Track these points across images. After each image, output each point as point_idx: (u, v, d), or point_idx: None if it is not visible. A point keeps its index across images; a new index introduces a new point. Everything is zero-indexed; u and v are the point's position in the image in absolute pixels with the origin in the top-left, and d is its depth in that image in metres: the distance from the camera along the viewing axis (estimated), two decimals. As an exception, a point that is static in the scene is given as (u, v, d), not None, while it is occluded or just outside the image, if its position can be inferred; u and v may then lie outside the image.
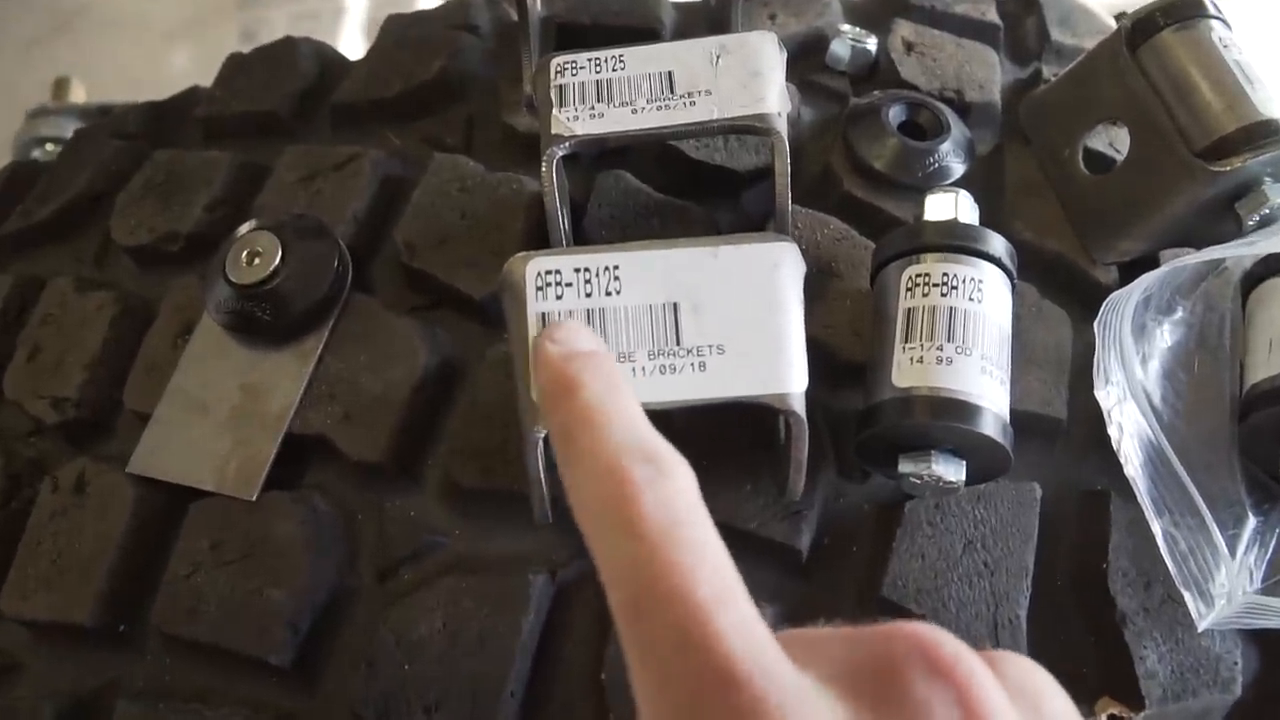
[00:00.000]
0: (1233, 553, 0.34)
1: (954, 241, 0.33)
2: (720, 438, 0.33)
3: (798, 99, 0.42)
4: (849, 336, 0.35)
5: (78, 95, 0.73)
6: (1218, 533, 0.33)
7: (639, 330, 0.29)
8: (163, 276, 0.41)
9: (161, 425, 0.36)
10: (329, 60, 0.47)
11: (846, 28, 0.44)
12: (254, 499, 0.34)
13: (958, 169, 0.39)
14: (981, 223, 0.37)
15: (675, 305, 0.29)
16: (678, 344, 0.29)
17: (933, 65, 0.43)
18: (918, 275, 0.32)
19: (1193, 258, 0.33)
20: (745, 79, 0.34)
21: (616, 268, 0.29)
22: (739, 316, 0.29)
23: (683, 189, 0.39)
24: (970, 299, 0.32)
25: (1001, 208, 0.40)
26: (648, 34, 0.43)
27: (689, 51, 0.35)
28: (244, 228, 0.37)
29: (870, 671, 0.20)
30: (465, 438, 0.34)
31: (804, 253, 0.36)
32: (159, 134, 0.47)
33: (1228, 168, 0.35)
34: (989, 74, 0.43)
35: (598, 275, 0.29)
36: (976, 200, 0.37)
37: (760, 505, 0.33)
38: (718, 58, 0.35)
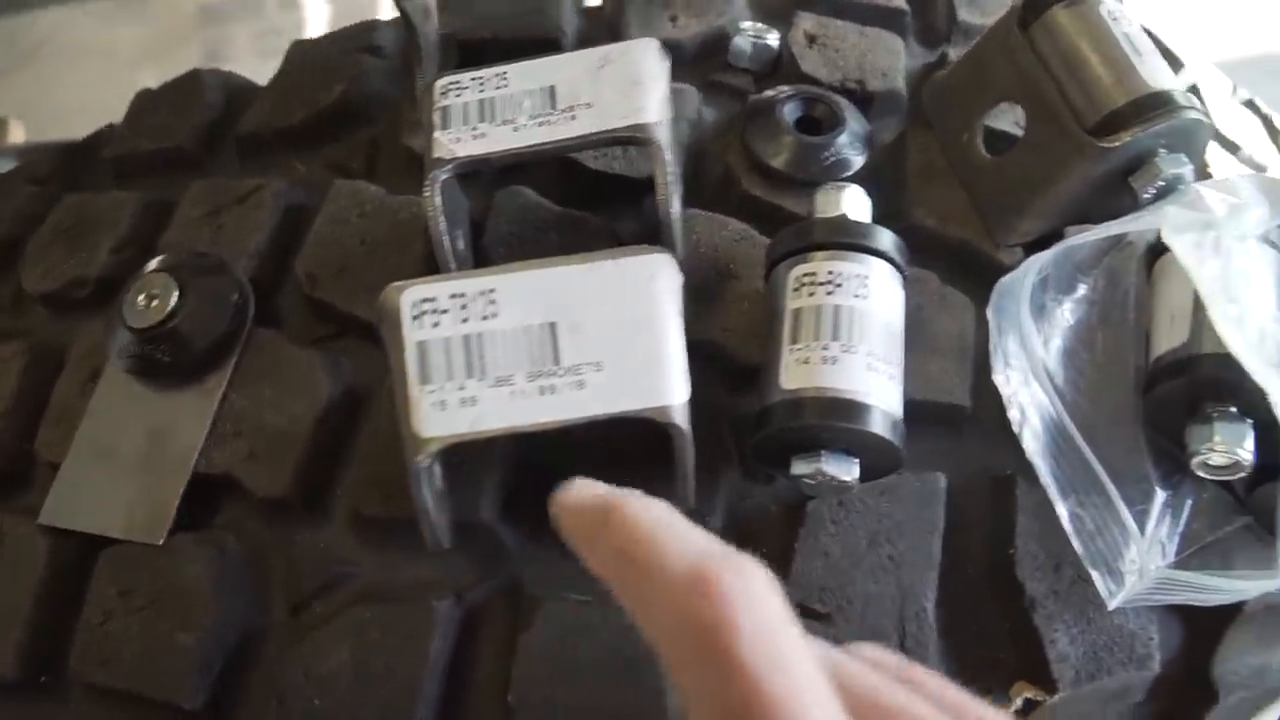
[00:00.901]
0: (1142, 528, 0.34)
1: (840, 239, 0.33)
2: (617, 448, 0.33)
3: (698, 100, 0.42)
4: (748, 338, 0.35)
5: (16, 135, 0.73)
6: (1124, 509, 0.33)
7: (517, 352, 0.29)
8: (74, 322, 0.41)
9: (71, 474, 0.36)
10: (237, 90, 0.47)
11: (747, 24, 0.44)
12: (160, 544, 0.34)
13: (856, 160, 0.39)
14: (882, 213, 0.37)
15: (553, 325, 0.29)
16: (556, 364, 0.29)
17: (835, 56, 0.43)
18: (804, 275, 0.32)
19: (1078, 238, 0.33)
20: (626, 89, 0.34)
21: (492, 291, 0.29)
22: (616, 332, 0.29)
23: (585, 199, 0.39)
24: (855, 296, 0.32)
25: (904, 196, 0.40)
26: (549, 44, 0.43)
27: (572, 64, 0.35)
28: (148, 269, 0.37)
29: None
30: (370, 467, 0.34)
31: (703, 255, 0.37)
32: (71, 176, 0.47)
33: (1117, 143, 0.35)
34: (892, 61, 0.43)
35: (474, 300, 0.29)
36: (879, 190, 0.37)
37: (662, 515, 0.32)
38: (600, 68, 0.35)
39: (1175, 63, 0.49)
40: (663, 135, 0.33)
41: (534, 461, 0.34)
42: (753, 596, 0.18)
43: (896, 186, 0.40)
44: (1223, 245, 0.31)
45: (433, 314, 0.29)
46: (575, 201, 0.39)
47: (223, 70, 0.48)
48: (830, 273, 0.32)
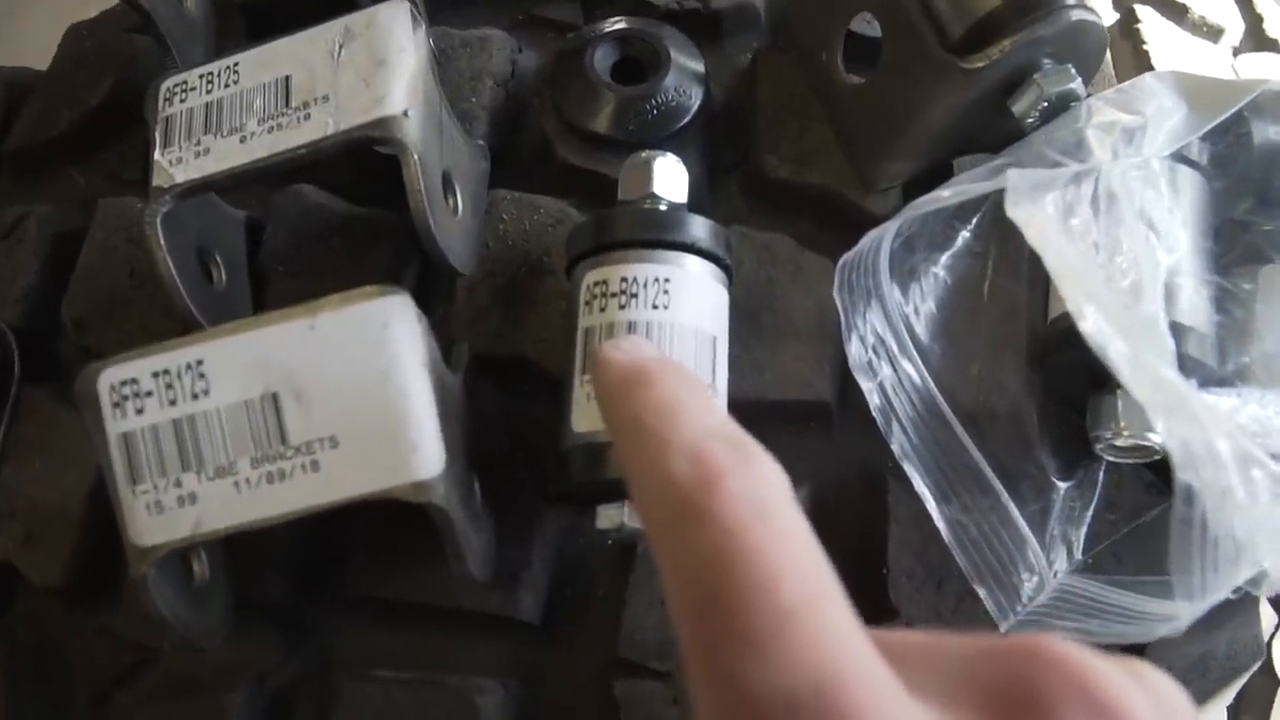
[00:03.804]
0: (1041, 529, 0.29)
1: (636, 235, 0.27)
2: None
3: (509, 47, 0.35)
4: (565, 354, 0.30)
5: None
6: (1014, 509, 0.28)
7: (237, 434, 0.24)
8: None
9: None
10: (21, 88, 0.41)
11: (566, -58, 0.36)
12: (-59, 646, 0.31)
13: (689, 106, 0.32)
14: (718, 166, 0.31)
15: (275, 396, 0.24)
16: (284, 443, 0.24)
17: (673, -31, 0.36)
18: (595, 284, 0.27)
19: (926, 203, 0.27)
20: (368, 73, 0.28)
21: (200, 363, 0.24)
22: (349, 398, 0.24)
23: (382, 190, 0.33)
24: (654, 306, 0.26)
25: (756, 139, 0.33)
26: (344, 2, 0.37)
27: (310, 45, 0.29)
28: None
29: (999, 695, 0.16)
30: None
31: (511, 248, 0.32)
32: None
33: (983, 62, 0.28)
34: (742, -34, 0.36)
35: (179, 376, 0.24)
36: (728, 133, 0.31)
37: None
38: (340, 47, 0.29)
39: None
40: (410, 128, 0.27)
41: (324, 533, 0.29)
42: (754, 480, 0.17)
43: (749, 126, 0.34)
44: (1086, 200, 0.25)
45: (135, 398, 0.25)
46: (374, 194, 0.33)
47: (8, 67, 0.42)
48: (624, 280, 0.26)
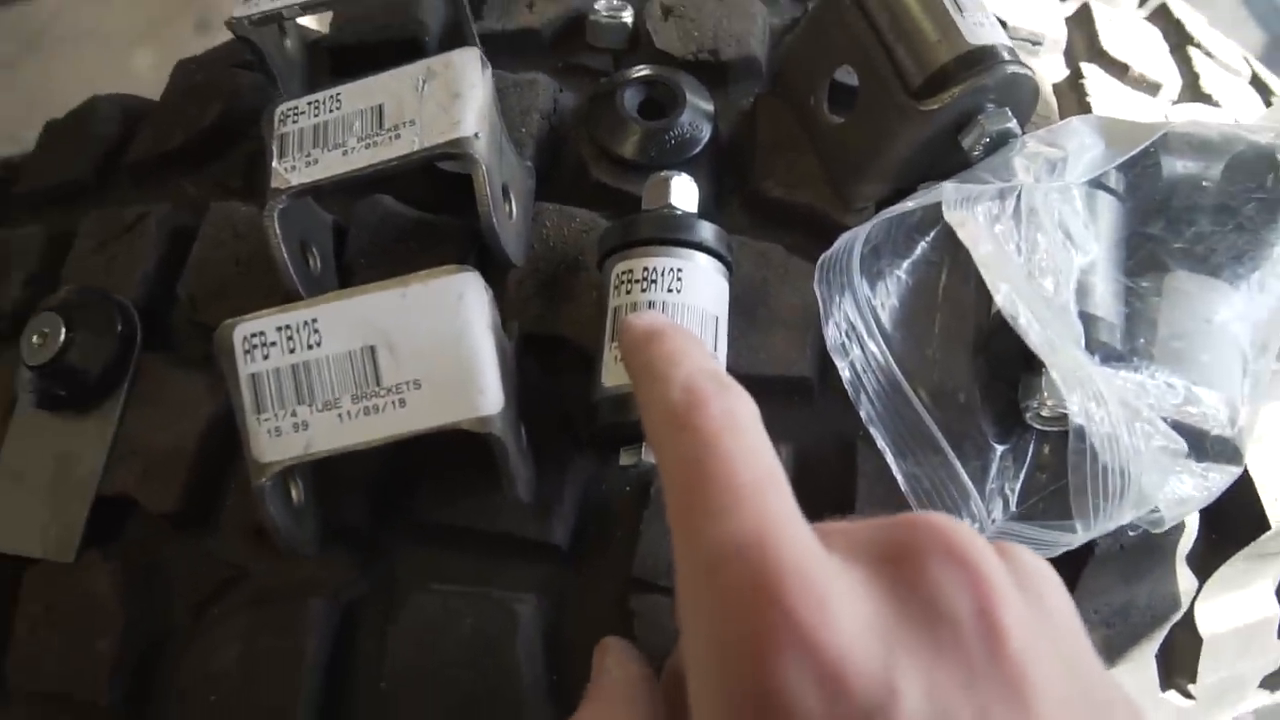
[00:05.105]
0: (982, 484, 0.35)
1: (656, 234, 0.34)
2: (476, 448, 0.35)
3: (553, 89, 0.42)
4: (596, 329, 0.37)
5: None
6: (958, 465, 0.35)
7: (342, 377, 0.31)
8: (-1, 355, 0.44)
9: (-7, 502, 0.39)
10: (134, 114, 0.49)
11: (602, 4, 0.44)
12: (72, 560, 0.37)
13: (700, 138, 0.40)
14: (724, 188, 0.38)
15: (372, 349, 0.31)
16: (378, 385, 0.31)
17: (690, 27, 0.43)
18: (623, 272, 0.34)
19: (890, 211, 0.34)
20: (446, 103, 0.35)
21: (314, 321, 0.31)
22: (430, 351, 0.31)
23: (447, 202, 0.41)
24: (669, 290, 0.33)
25: (754, 167, 0.40)
26: (413, 45, 0.44)
27: (399, 80, 0.36)
28: (40, 308, 0.40)
29: (891, 554, 0.22)
30: (253, 477, 0.37)
31: (553, 249, 0.38)
32: (-6, 210, 0.50)
33: (937, 105, 0.35)
34: (748, 26, 0.43)
35: (298, 331, 0.31)
36: (731, 161, 0.38)
37: (513, 507, 0.35)
38: (424, 83, 0.36)
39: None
40: (480, 147, 0.34)
41: (399, 466, 0.36)
42: (729, 405, 0.24)
43: (749, 156, 0.41)
44: (1009, 212, 0.31)
45: (263, 347, 0.31)
46: (440, 204, 0.41)
47: (121, 95, 0.50)
48: (645, 269, 0.33)
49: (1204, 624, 0.41)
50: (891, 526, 0.23)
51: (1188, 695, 0.44)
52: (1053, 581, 0.24)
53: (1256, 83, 0.58)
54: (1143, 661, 0.40)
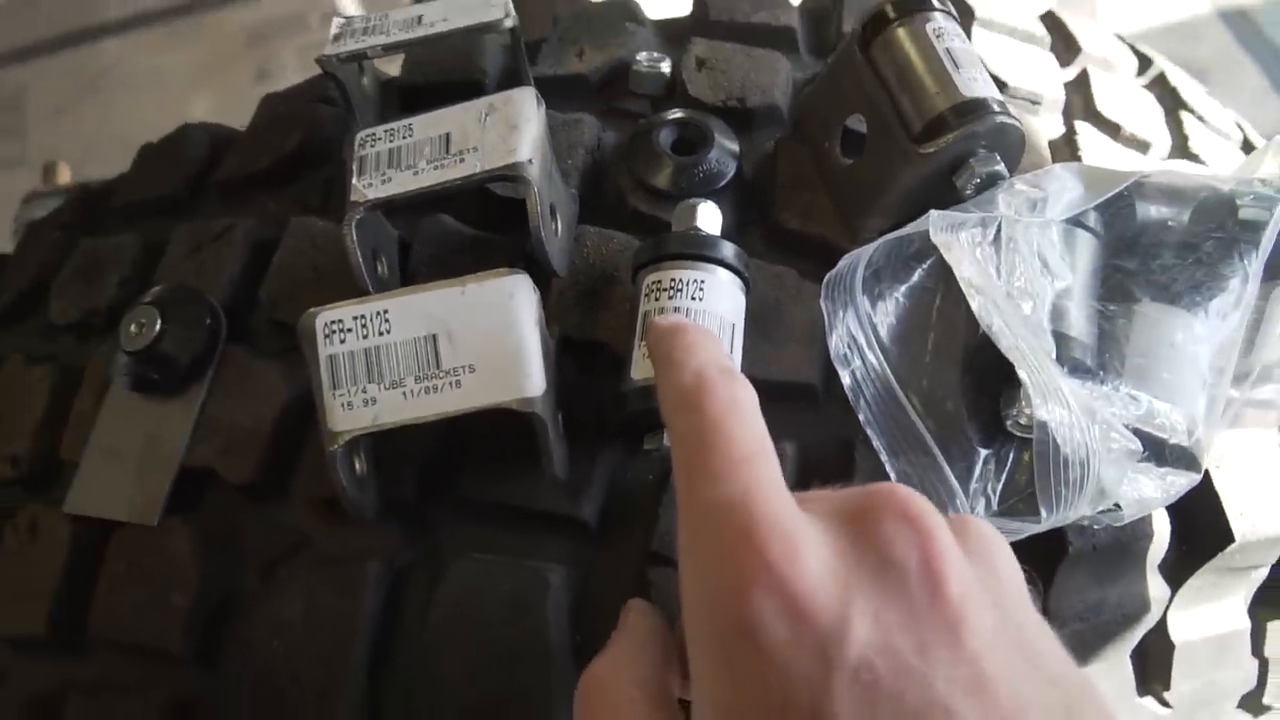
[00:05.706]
0: (967, 484, 0.39)
1: (683, 250, 0.39)
2: (519, 433, 0.40)
3: (598, 128, 0.48)
4: (628, 335, 0.42)
5: (64, 176, 0.83)
6: (946, 465, 0.39)
7: (407, 360, 0.36)
8: (94, 346, 0.49)
9: (86, 471, 0.44)
10: (221, 140, 0.55)
11: (643, 55, 0.50)
12: (155, 524, 0.42)
13: (726, 173, 0.45)
14: (746, 220, 0.43)
15: (434, 337, 0.36)
16: (438, 368, 0.36)
17: (720, 78, 0.49)
18: (653, 282, 0.39)
19: (890, 236, 0.39)
20: (505, 133, 0.40)
21: (386, 312, 0.36)
22: (484, 340, 0.36)
23: (499, 223, 0.46)
24: (692, 298, 0.38)
25: (774, 202, 0.45)
26: (473, 85, 0.50)
27: (465, 113, 0.42)
28: (138, 302, 0.45)
29: (855, 515, 0.26)
30: (320, 456, 0.42)
31: (593, 265, 0.43)
32: (90, 221, 0.56)
33: (934, 149, 0.40)
34: (772, 78, 0.49)
35: (371, 320, 0.36)
36: (753, 196, 0.43)
37: (549, 487, 0.39)
38: (486, 115, 0.41)
39: (1071, 47, 0.54)
40: (533, 171, 0.39)
41: (448, 447, 0.41)
42: (733, 391, 0.28)
43: (769, 193, 0.46)
44: (990, 239, 0.36)
45: (340, 333, 0.36)
46: (490, 224, 0.46)
47: (211, 123, 0.56)
48: (673, 279, 0.38)
49: (1176, 631, 0.44)
50: (859, 494, 0.27)
51: (1164, 703, 0.47)
52: (999, 546, 0.28)
53: (1247, 146, 0.63)
54: (1118, 662, 0.44)
